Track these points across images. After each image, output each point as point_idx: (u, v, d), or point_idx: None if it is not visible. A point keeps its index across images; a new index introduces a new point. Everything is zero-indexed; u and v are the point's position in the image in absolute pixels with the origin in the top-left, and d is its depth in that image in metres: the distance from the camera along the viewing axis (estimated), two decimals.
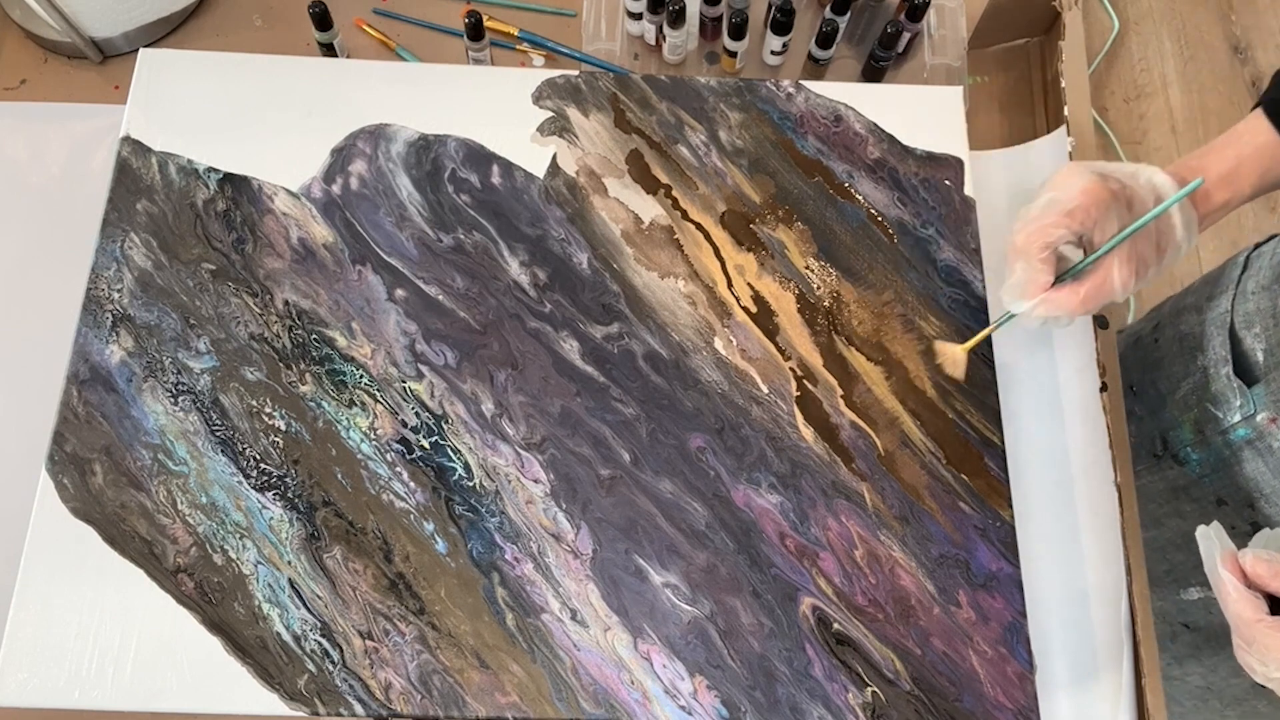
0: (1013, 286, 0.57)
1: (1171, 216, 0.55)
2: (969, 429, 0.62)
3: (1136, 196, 0.54)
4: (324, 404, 0.62)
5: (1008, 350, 0.68)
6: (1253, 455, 0.64)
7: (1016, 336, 0.68)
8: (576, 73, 0.71)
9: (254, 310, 0.64)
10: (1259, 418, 0.63)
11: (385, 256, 0.65)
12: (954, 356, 0.62)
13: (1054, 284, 0.55)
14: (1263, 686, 0.73)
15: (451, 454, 0.61)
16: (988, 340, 0.64)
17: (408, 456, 0.61)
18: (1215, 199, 0.57)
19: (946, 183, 0.68)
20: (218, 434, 0.61)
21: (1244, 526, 0.67)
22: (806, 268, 0.66)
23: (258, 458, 0.60)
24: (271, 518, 0.59)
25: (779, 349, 0.64)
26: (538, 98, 0.70)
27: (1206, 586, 0.73)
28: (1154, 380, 0.72)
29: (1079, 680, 0.61)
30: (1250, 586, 0.48)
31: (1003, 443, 0.62)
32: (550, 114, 0.70)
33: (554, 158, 0.69)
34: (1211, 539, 0.50)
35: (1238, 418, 0.64)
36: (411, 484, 0.60)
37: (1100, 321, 0.70)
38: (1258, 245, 0.70)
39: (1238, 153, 0.57)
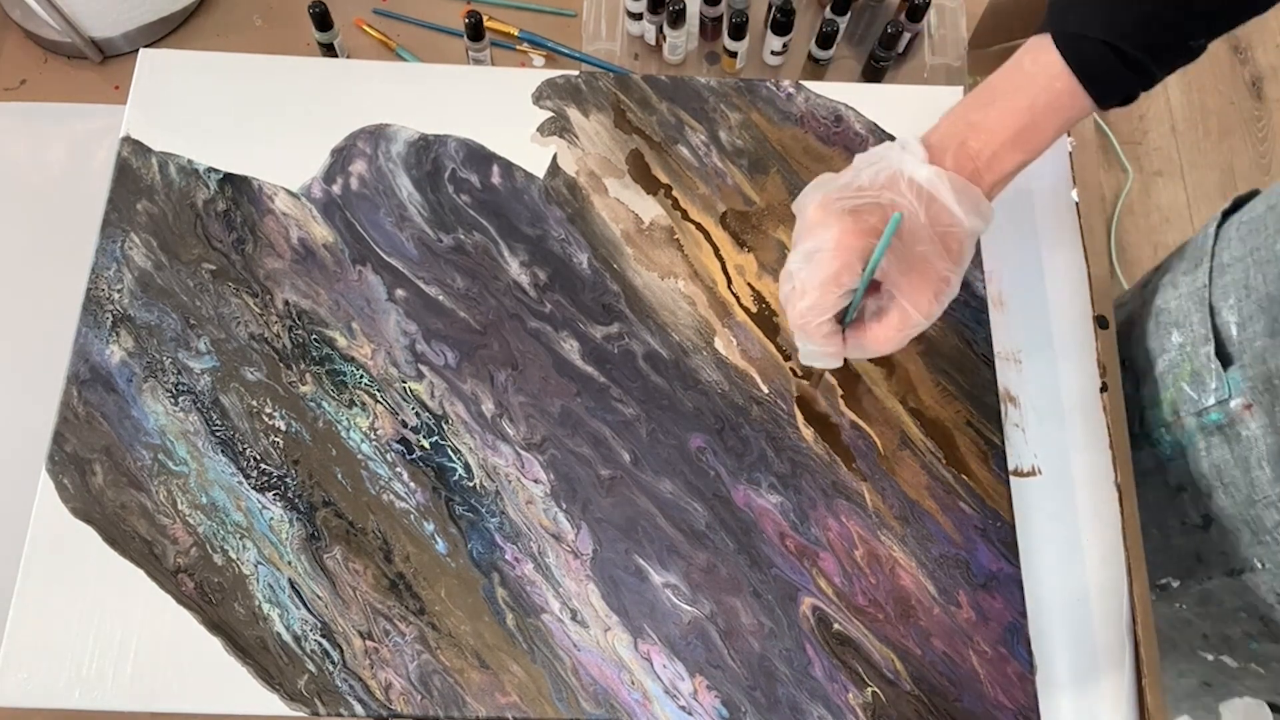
0: (807, 357, 0.54)
1: (949, 211, 0.48)
2: (969, 429, 0.62)
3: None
4: (324, 404, 0.62)
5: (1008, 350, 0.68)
6: (1220, 442, 0.62)
7: (1017, 337, 0.68)
8: (577, 73, 0.71)
9: (254, 310, 0.64)
10: (1233, 403, 0.60)
11: (385, 256, 0.65)
12: (808, 394, 0.62)
13: (845, 323, 0.52)
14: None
15: (452, 454, 0.61)
16: (988, 340, 0.64)
17: (408, 457, 0.61)
18: (1007, 163, 0.49)
19: None
20: (218, 434, 0.61)
21: (1196, 518, 0.65)
22: None
23: (258, 458, 0.60)
24: (271, 518, 0.59)
25: (779, 349, 0.64)
26: (538, 98, 0.70)
27: (1160, 589, 0.71)
28: (1137, 356, 0.69)
29: (1079, 680, 0.61)
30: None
31: (1003, 443, 0.62)
32: (550, 114, 0.70)
33: (554, 158, 0.69)
34: None
35: (1212, 400, 0.61)
36: (412, 484, 0.60)
37: (1100, 321, 0.70)
38: (1226, 214, 0.66)
39: (1031, 104, 0.48)
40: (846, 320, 0.52)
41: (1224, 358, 0.61)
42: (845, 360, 0.56)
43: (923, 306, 0.48)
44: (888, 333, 0.50)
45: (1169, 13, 0.47)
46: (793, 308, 0.50)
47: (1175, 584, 0.69)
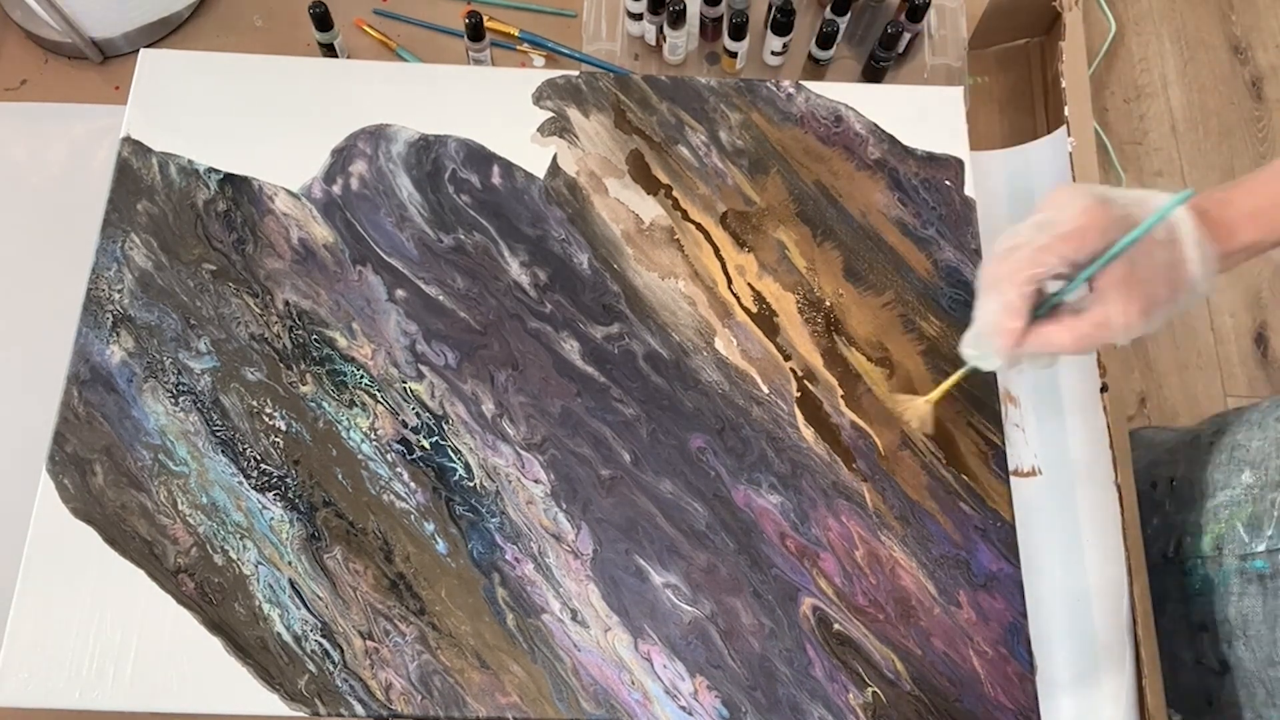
0: (980, 332, 0.48)
1: (1184, 249, 0.47)
2: (969, 429, 0.62)
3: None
4: (324, 404, 0.62)
5: None
6: (1255, 592, 0.59)
7: None
8: (577, 73, 0.71)
9: (254, 311, 0.64)
10: None
11: (385, 257, 0.65)
12: (919, 412, 0.58)
13: (1031, 321, 0.48)
14: None
15: (452, 454, 0.61)
16: None
17: (408, 457, 0.61)
18: (1240, 237, 0.49)
19: (947, 183, 0.68)
20: (218, 434, 0.61)
21: (1213, 662, 0.63)
22: (807, 268, 0.66)
23: (258, 458, 0.60)
24: (272, 518, 0.59)
25: (779, 349, 0.64)
26: (538, 98, 0.70)
27: (1177, 711, 0.68)
28: (1195, 480, 0.66)
29: (1080, 680, 0.61)
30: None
31: (1003, 443, 0.62)
32: (551, 114, 0.70)
33: (554, 158, 0.69)
34: None
35: (1262, 547, 0.59)
36: (412, 484, 0.60)
37: None
38: None
39: (1273, 191, 0.49)
40: (1039, 313, 0.48)
41: None
42: (954, 377, 0.56)
43: (1130, 315, 0.46)
44: (1081, 328, 0.47)
45: None
46: (1007, 259, 0.47)
47: (1175, 717, 0.66)
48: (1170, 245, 0.47)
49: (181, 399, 0.61)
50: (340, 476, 0.60)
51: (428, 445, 0.61)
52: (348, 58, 0.80)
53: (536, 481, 0.60)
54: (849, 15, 0.78)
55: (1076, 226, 0.46)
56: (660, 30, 0.80)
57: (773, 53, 0.80)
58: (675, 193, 0.68)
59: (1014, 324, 0.47)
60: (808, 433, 0.62)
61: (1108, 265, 0.46)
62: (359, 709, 0.55)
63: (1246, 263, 0.51)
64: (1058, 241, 0.46)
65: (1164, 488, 0.69)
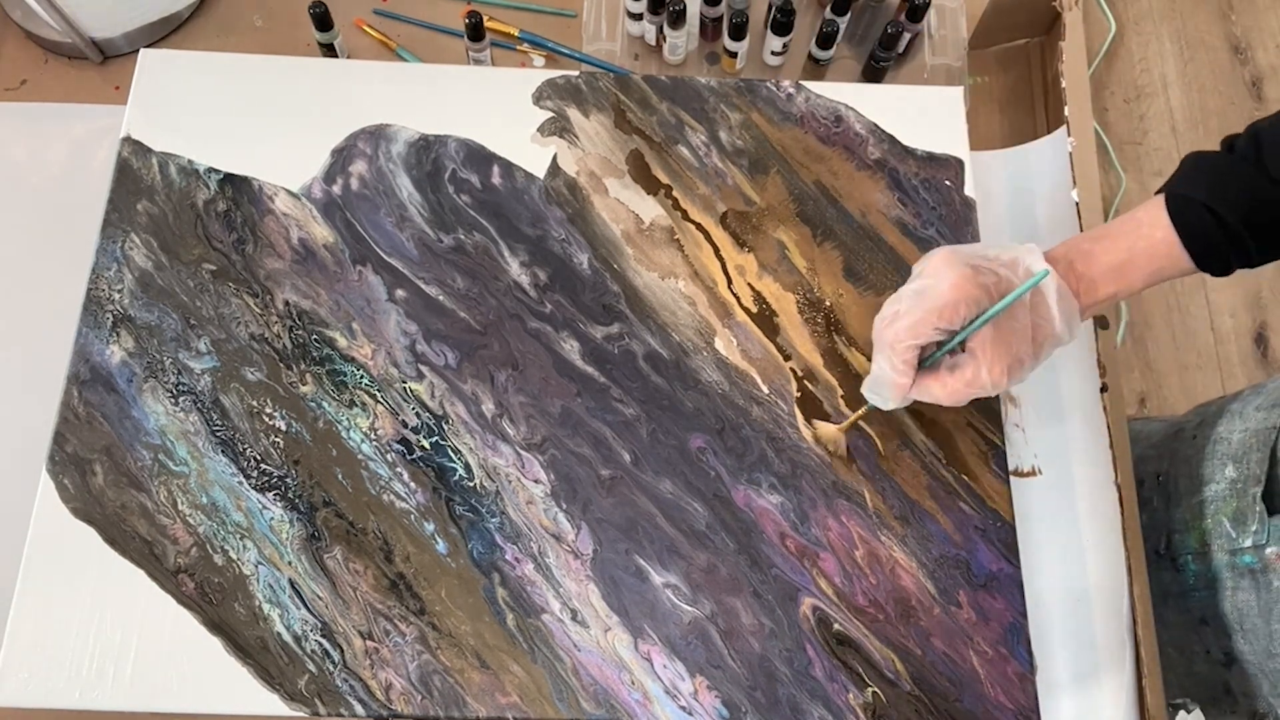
0: (874, 382, 0.56)
1: (1049, 308, 0.53)
2: (969, 429, 0.62)
3: (1012, 289, 0.52)
4: (324, 404, 0.62)
5: None
6: (1248, 586, 0.60)
7: None
8: (577, 73, 0.71)
9: (254, 310, 0.64)
10: (1269, 550, 0.59)
11: (385, 257, 0.65)
12: (833, 436, 0.61)
13: (921, 368, 0.55)
14: None
15: (452, 454, 0.61)
16: None
17: (408, 457, 0.61)
18: (1101, 291, 0.54)
19: (947, 183, 0.68)
20: (218, 434, 0.61)
21: (1218, 654, 0.64)
22: (807, 268, 0.66)
23: (258, 458, 0.60)
24: (272, 518, 0.59)
25: (779, 349, 0.64)
26: (538, 98, 0.70)
27: (1186, 710, 0.69)
28: (1179, 476, 0.67)
29: (1080, 680, 0.61)
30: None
31: (1003, 443, 0.62)
32: (551, 114, 0.70)
33: (554, 158, 0.69)
34: None
35: (1248, 543, 0.60)
36: (412, 484, 0.60)
37: (1101, 322, 0.70)
38: None
39: (1130, 245, 0.54)
40: (926, 364, 0.55)
41: (1270, 502, 0.60)
42: (859, 412, 0.60)
43: (995, 374, 0.52)
44: (956, 385, 0.53)
45: (1271, 194, 0.50)
46: (891, 326, 0.54)
47: (1193, 707, 0.67)
48: (1035, 306, 0.53)
49: (181, 399, 0.61)
50: (340, 476, 0.60)
51: (428, 445, 0.61)
52: (348, 58, 0.80)
53: (536, 481, 0.60)
54: (849, 15, 0.78)
55: (948, 301, 0.51)
56: (660, 30, 0.80)
57: (773, 53, 0.80)
58: (675, 193, 0.68)
59: (902, 380, 0.54)
60: (808, 432, 0.62)
61: (978, 329, 0.52)
62: (359, 709, 0.55)
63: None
64: (932, 315, 0.52)
65: (1151, 484, 0.70)
